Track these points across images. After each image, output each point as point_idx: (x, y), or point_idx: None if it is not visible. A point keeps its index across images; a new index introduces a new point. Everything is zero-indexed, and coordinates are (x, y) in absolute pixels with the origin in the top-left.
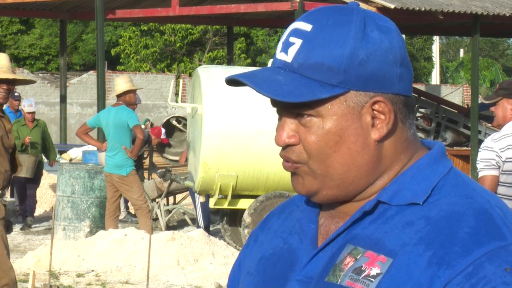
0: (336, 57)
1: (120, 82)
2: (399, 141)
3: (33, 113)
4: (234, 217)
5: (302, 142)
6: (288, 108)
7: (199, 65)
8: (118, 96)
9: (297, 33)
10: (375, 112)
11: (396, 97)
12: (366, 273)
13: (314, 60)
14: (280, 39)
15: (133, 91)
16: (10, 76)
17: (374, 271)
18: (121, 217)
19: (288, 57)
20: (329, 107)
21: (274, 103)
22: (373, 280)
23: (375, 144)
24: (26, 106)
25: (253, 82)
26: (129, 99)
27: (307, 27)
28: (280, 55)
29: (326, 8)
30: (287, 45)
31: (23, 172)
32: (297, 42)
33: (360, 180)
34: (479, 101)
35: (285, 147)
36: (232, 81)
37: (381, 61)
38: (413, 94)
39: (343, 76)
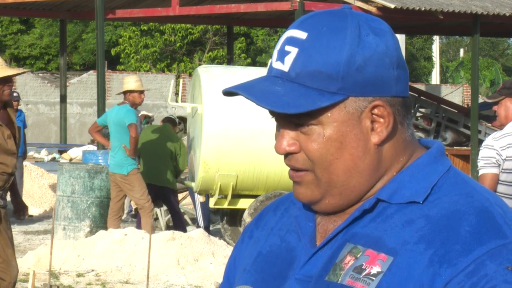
0: (334, 64)
1: (126, 81)
2: (398, 143)
3: None
4: (234, 217)
5: (304, 150)
6: (288, 118)
7: (199, 65)
8: (124, 94)
9: (292, 41)
10: (374, 116)
11: (394, 99)
12: (366, 271)
13: (311, 68)
14: (275, 47)
15: (136, 91)
16: (11, 72)
17: (375, 269)
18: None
19: (285, 66)
20: (329, 114)
21: (273, 113)
22: (374, 278)
23: (375, 148)
24: None
25: (251, 94)
26: (132, 98)
27: (302, 35)
28: (276, 64)
29: (319, 14)
30: (283, 54)
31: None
32: (293, 51)
33: (362, 186)
34: (480, 101)
35: (287, 156)
36: (230, 92)
37: (378, 65)
38: (413, 94)
39: (342, 83)
